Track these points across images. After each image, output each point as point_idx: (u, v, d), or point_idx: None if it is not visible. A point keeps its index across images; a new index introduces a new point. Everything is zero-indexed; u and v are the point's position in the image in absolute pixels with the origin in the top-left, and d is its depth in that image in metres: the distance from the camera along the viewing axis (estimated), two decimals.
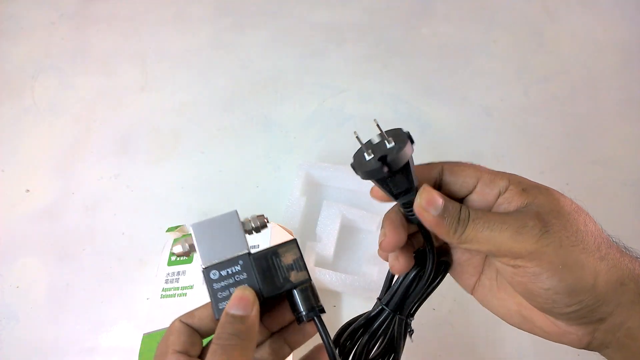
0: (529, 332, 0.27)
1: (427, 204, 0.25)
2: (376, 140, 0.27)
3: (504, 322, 0.50)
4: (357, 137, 0.27)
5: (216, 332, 0.25)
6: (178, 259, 0.53)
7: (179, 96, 0.74)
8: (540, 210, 0.24)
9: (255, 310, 0.26)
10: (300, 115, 0.71)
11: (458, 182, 0.27)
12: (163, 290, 0.51)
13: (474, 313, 0.52)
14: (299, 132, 0.69)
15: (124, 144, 0.69)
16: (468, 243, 0.24)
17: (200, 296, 0.49)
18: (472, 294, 0.30)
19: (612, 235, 0.25)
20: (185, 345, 0.27)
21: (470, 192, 0.27)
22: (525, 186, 0.25)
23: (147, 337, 0.48)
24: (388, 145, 0.25)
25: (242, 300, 0.26)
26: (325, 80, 0.75)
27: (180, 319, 0.28)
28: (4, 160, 0.69)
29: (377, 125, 0.26)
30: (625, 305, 0.23)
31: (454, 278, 0.30)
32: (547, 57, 0.76)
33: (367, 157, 0.26)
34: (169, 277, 0.52)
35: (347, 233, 0.57)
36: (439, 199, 0.25)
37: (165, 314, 0.49)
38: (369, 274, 0.53)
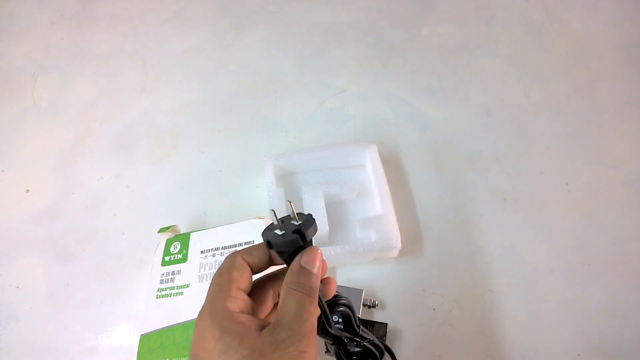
0: None
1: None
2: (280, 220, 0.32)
3: (503, 322, 0.50)
4: (273, 211, 0.32)
5: (292, 278, 0.28)
6: (172, 259, 0.53)
7: (178, 96, 0.74)
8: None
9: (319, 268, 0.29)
10: (300, 115, 0.71)
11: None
12: (158, 290, 0.51)
13: (474, 313, 0.52)
14: (299, 132, 0.69)
15: (124, 144, 0.69)
16: None
17: (198, 294, 0.49)
18: None
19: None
20: (246, 284, 0.29)
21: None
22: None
23: (145, 338, 0.48)
24: (296, 223, 0.30)
25: (315, 259, 0.29)
26: (325, 80, 0.75)
27: (242, 256, 0.30)
28: (4, 160, 0.69)
29: (291, 206, 0.32)
30: None
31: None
32: (547, 57, 0.76)
33: (280, 233, 0.30)
34: (164, 277, 0.52)
35: (333, 208, 0.59)
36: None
37: (161, 314, 0.49)
38: (366, 237, 0.56)
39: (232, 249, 0.50)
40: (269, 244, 0.30)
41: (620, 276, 0.54)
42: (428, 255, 0.56)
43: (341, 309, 0.34)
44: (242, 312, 0.27)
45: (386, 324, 0.50)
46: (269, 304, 0.32)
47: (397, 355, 0.46)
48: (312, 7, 0.84)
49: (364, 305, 0.51)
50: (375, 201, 0.59)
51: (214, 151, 0.68)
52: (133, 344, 0.49)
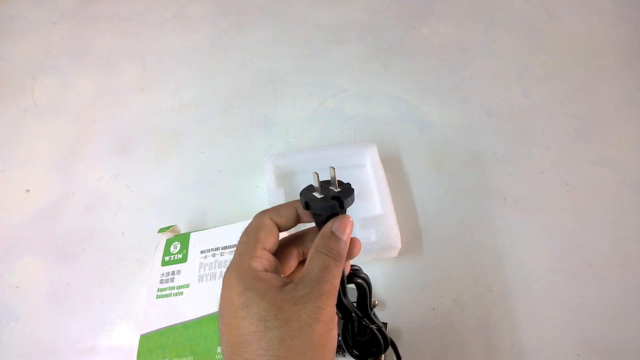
0: None
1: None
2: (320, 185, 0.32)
3: (501, 321, 0.50)
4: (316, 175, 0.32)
5: (322, 242, 0.29)
6: (172, 259, 0.53)
7: (179, 96, 0.74)
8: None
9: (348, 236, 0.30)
10: (300, 115, 0.71)
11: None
12: (158, 290, 0.51)
13: (474, 313, 0.52)
14: (299, 132, 0.69)
15: (124, 144, 0.69)
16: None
17: (198, 294, 0.49)
18: None
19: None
20: (273, 244, 0.30)
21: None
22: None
23: (145, 338, 0.48)
24: (336, 190, 0.31)
25: (346, 227, 0.30)
26: (326, 80, 0.75)
27: (270, 217, 0.31)
28: (4, 160, 0.69)
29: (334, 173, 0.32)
30: None
31: None
32: (547, 57, 0.76)
33: (319, 196, 0.31)
34: (164, 277, 0.52)
35: None
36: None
37: (161, 314, 0.49)
38: (366, 237, 0.55)
39: (232, 249, 0.50)
40: (306, 204, 0.30)
41: (620, 276, 0.54)
42: (428, 255, 0.56)
43: (360, 280, 0.35)
44: (266, 270, 0.29)
45: (386, 323, 0.50)
46: (292, 263, 0.33)
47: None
48: (312, 7, 0.84)
49: None
50: (375, 201, 0.59)
51: (214, 151, 0.68)
52: (133, 344, 0.49)
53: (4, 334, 0.54)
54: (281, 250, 0.32)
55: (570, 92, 0.71)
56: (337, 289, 0.29)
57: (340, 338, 0.41)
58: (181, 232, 0.56)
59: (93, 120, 0.72)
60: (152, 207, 0.63)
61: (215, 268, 0.50)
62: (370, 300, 0.37)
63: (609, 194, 0.60)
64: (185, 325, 0.47)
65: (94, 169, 0.67)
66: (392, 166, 0.63)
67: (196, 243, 0.53)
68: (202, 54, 0.80)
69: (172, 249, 0.54)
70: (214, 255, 0.51)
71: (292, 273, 0.33)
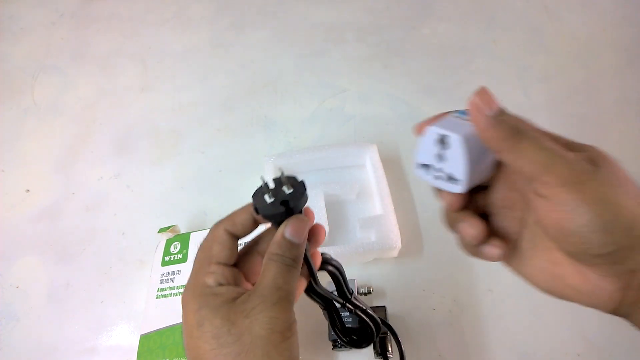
0: (559, 295, 0.27)
1: (484, 104, 0.25)
2: (272, 185, 0.30)
3: (503, 322, 0.50)
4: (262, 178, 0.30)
5: (275, 250, 0.28)
6: (172, 259, 0.53)
7: (178, 96, 0.74)
8: (589, 155, 0.24)
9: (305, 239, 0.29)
10: (300, 115, 0.71)
11: None
12: (158, 290, 0.51)
13: (474, 313, 0.52)
14: (299, 132, 0.69)
15: (124, 144, 0.69)
16: (518, 154, 0.24)
17: None
18: (508, 264, 0.30)
19: None
20: (227, 257, 0.29)
21: None
22: (567, 142, 0.26)
23: (145, 338, 0.48)
24: (287, 191, 0.29)
25: (301, 229, 0.28)
26: (326, 80, 0.75)
27: (224, 227, 0.29)
28: (4, 161, 0.69)
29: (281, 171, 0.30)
30: None
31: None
32: (547, 57, 0.76)
33: (268, 200, 0.29)
34: (164, 277, 0.52)
35: (332, 208, 0.59)
36: (496, 102, 0.25)
37: (161, 314, 0.49)
38: (366, 237, 0.55)
39: None
40: (256, 209, 0.29)
41: None
42: (428, 255, 0.56)
43: (331, 268, 0.34)
44: (220, 284, 0.28)
45: (384, 306, 0.51)
46: (258, 268, 0.31)
47: (396, 355, 0.46)
48: (312, 7, 0.84)
49: (358, 293, 0.51)
50: (375, 201, 0.59)
51: (214, 151, 0.68)
52: (133, 344, 0.49)
53: (4, 334, 0.54)
54: (244, 259, 0.31)
55: (571, 92, 0.71)
56: (293, 294, 0.27)
57: (332, 333, 0.41)
58: (181, 232, 0.56)
59: (93, 120, 0.72)
60: (152, 207, 0.63)
61: None
62: (347, 286, 0.37)
63: None
64: None
65: (94, 169, 0.67)
66: (392, 166, 0.63)
67: (196, 243, 0.53)
68: (202, 53, 0.79)
69: (172, 249, 0.54)
70: None
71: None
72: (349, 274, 0.54)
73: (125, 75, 0.77)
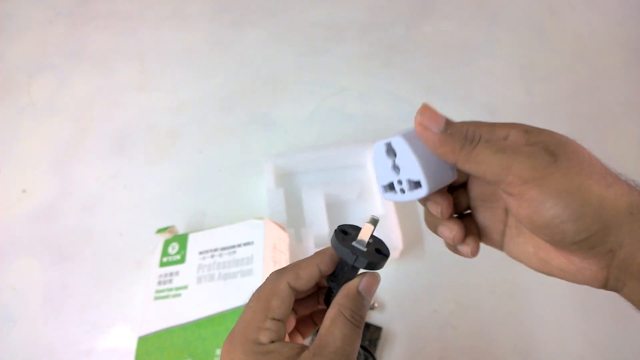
0: (548, 274, 0.28)
1: (429, 121, 0.26)
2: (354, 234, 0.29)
3: (503, 323, 0.50)
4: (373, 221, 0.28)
5: (347, 302, 0.26)
6: (170, 260, 0.52)
7: (177, 95, 0.74)
8: (546, 144, 0.24)
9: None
10: (300, 114, 0.70)
11: None
12: (156, 292, 0.50)
13: (475, 314, 0.51)
14: (299, 131, 0.68)
15: (121, 143, 0.69)
16: (474, 163, 0.24)
17: (196, 296, 0.48)
18: (502, 250, 0.31)
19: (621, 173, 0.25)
20: (285, 313, 0.26)
21: None
22: (527, 128, 0.26)
23: (142, 340, 0.47)
24: (371, 241, 0.27)
25: (373, 287, 0.27)
26: (326, 79, 0.74)
27: (287, 281, 0.27)
28: (0, 160, 0.68)
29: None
30: (636, 235, 0.23)
31: (486, 244, 0.31)
32: (550, 56, 0.75)
33: (362, 248, 0.27)
34: (162, 279, 0.51)
35: (333, 208, 0.59)
36: (440, 116, 0.26)
37: (159, 316, 0.48)
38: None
39: (231, 250, 0.49)
40: (352, 255, 0.26)
41: None
42: (429, 256, 0.56)
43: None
44: (272, 341, 0.26)
45: (381, 327, 0.50)
46: (292, 320, 0.30)
47: (397, 356, 0.45)
48: (312, 5, 0.83)
49: None
50: (376, 201, 0.58)
51: (212, 151, 0.67)
52: (130, 346, 0.48)
53: (1, 336, 0.54)
54: None
55: (574, 90, 0.71)
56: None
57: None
58: (179, 233, 0.56)
59: (90, 120, 0.72)
60: (150, 208, 0.62)
61: (214, 269, 0.49)
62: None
63: None
64: (183, 327, 0.46)
65: (92, 169, 0.66)
66: None
67: (195, 244, 0.52)
68: (201, 52, 0.79)
69: (170, 250, 0.53)
70: (212, 256, 0.50)
71: (294, 330, 0.30)
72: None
73: (123, 74, 0.77)
